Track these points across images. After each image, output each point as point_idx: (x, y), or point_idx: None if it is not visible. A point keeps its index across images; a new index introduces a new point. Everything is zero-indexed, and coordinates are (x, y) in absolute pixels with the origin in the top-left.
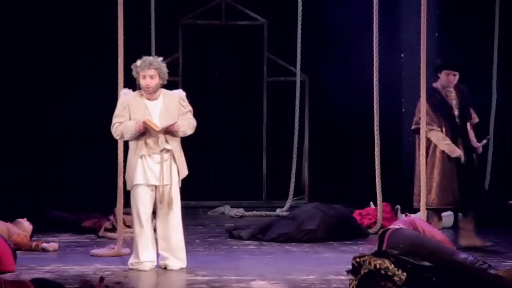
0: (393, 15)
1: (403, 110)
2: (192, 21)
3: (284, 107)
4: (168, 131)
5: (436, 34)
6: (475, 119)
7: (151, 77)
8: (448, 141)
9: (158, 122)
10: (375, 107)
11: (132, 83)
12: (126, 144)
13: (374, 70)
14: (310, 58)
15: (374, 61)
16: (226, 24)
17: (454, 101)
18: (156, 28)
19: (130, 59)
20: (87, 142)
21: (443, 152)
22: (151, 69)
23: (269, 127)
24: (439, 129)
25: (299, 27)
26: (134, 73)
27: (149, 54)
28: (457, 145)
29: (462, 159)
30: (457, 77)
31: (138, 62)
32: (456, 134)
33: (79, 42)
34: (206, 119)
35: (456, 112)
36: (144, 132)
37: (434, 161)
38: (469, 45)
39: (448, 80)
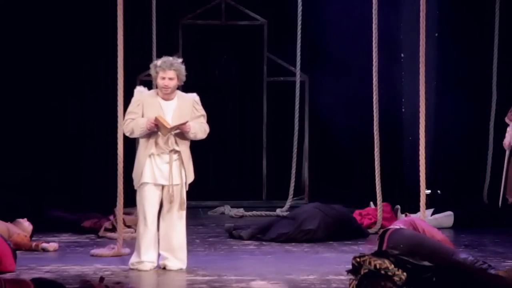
0: (393, 16)
1: (403, 110)
2: (192, 21)
3: (284, 107)
4: (179, 132)
5: (436, 34)
6: None
7: (170, 78)
8: None
9: (170, 121)
10: (374, 107)
11: (131, 83)
12: (126, 144)
13: (374, 70)
14: (310, 58)
15: (374, 61)
16: (226, 24)
17: None
18: (157, 28)
19: (130, 60)
20: (87, 142)
21: None
22: (171, 70)
23: (269, 127)
24: None
25: (299, 27)
26: (152, 72)
27: (150, 54)
28: None
29: None
30: None
31: (159, 62)
32: None
33: (79, 42)
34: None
35: None
36: (155, 131)
37: None
38: (469, 45)
39: None
